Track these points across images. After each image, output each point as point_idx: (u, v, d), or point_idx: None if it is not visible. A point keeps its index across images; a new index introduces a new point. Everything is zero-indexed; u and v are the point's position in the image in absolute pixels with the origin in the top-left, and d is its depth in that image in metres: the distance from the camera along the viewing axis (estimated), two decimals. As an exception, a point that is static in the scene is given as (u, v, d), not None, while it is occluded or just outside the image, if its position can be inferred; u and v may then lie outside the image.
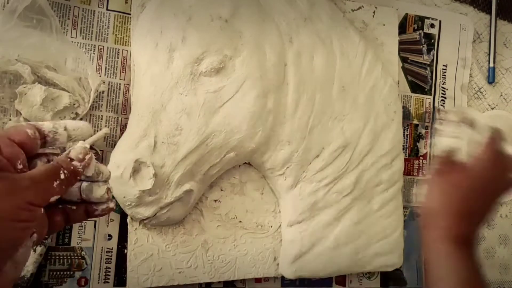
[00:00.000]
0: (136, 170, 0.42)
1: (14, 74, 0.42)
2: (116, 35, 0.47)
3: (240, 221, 0.48)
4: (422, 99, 0.58)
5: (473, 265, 0.40)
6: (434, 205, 0.42)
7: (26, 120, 0.42)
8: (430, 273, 0.40)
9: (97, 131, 0.45)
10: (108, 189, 0.30)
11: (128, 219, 0.44)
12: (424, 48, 0.58)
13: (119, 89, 0.47)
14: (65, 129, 0.30)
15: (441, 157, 0.43)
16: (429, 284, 0.40)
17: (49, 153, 0.31)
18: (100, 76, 0.46)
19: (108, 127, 0.46)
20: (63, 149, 0.43)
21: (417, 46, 0.58)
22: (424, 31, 0.58)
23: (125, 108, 0.47)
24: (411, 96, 0.57)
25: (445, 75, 0.59)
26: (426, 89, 0.58)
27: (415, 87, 0.58)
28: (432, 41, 0.59)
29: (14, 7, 0.40)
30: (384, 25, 0.55)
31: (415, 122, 0.57)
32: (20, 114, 0.42)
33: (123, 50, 0.47)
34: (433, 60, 0.59)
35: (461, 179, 0.41)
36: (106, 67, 0.46)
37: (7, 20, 0.40)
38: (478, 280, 0.40)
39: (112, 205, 0.31)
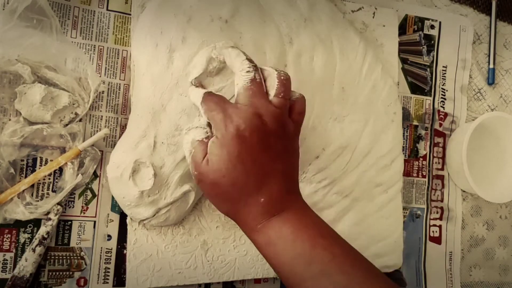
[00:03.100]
0: (135, 170, 0.42)
1: (14, 74, 0.42)
2: (116, 35, 0.47)
3: (240, 222, 0.48)
4: (422, 100, 0.58)
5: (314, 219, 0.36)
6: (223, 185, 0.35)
7: (26, 120, 0.42)
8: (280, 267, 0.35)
9: (97, 131, 0.45)
10: None
11: (128, 220, 0.44)
12: (424, 49, 0.58)
13: (119, 89, 0.47)
14: None
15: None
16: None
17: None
18: (100, 76, 0.46)
19: (107, 128, 0.46)
20: (63, 149, 0.43)
21: (417, 47, 0.58)
22: (424, 32, 0.58)
23: (125, 108, 0.47)
24: (411, 97, 0.57)
25: (445, 76, 0.59)
26: (426, 90, 0.58)
27: (415, 88, 0.58)
28: (432, 42, 0.59)
29: (14, 7, 0.40)
30: (384, 26, 0.55)
31: (415, 123, 0.57)
32: (20, 113, 0.42)
33: (123, 50, 0.47)
34: (433, 61, 0.59)
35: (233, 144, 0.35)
36: (106, 67, 0.46)
37: (7, 20, 0.40)
38: (331, 231, 0.36)
39: None
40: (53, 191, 0.44)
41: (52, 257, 0.43)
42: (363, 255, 0.36)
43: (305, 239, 0.34)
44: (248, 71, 0.37)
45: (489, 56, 0.61)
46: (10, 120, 0.42)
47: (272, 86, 0.37)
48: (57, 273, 0.43)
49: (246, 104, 0.36)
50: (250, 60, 0.38)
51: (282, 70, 0.38)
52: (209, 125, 0.38)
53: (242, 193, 0.36)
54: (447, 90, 0.59)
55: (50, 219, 0.42)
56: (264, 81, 0.38)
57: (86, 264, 0.44)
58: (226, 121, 0.35)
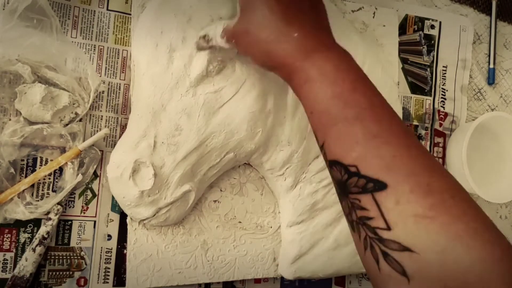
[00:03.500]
0: (135, 170, 0.42)
1: (14, 74, 0.42)
2: (116, 35, 0.47)
3: (240, 222, 0.48)
4: (422, 100, 0.58)
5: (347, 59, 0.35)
6: (256, 23, 0.35)
7: (26, 120, 0.42)
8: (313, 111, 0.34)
9: (97, 131, 0.45)
10: None
11: (128, 220, 0.44)
12: (424, 49, 0.58)
13: (119, 89, 0.47)
14: None
15: None
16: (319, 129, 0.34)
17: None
18: (100, 76, 0.46)
19: (108, 127, 0.46)
20: (63, 149, 0.43)
21: (417, 47, 0.58)
22: (424, 32, 0.58)
23: (125, 108, 0.47)
24: (411, 97, 0.57)
25: (445, 76, 0.59)
26: (426, 90, 0.58)
27: (415, 88, 0.58)
28: (432, 42, 0.59)
29: (14, 7, 0.40)
30: (384, 26, 0.55)
31: (415, 123, 0.57)
32: (20, 113, 0.42)
33: (123, 50, 0.47)
34: (433, 61, 0.59)
35: None
36: (106, 67, 0.46)
37: (8, 20, 0.40)
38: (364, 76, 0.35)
39: None
40: (53, 191, 0.44)
41: (52, 257, 0.43)
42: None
43: (346, 80, 0.33)
44: None
45: (489, 56, 0.61)
46: (10, 120, 0.42)
47: None
48: (57, 273, 0.43)
49: None
50: None
51: None
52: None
53: (272, 31, 0.35)
54: (447, 90, 0.59)
55: (50, 219, 0.42)
56: None
57: (86, 264, 0.44)
58: None
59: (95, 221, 0.45)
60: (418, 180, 0.29)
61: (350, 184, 0.31)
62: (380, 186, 0.29)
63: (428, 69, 0.58)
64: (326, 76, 0.33)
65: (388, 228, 0.28)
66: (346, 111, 0.32)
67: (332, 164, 0.33)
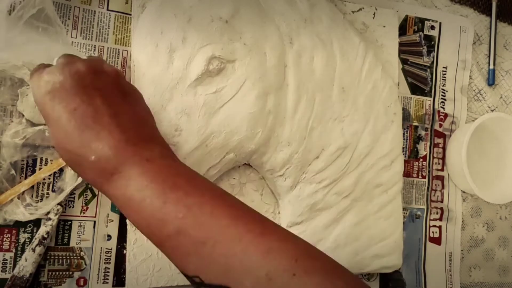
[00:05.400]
0: (135, 170, 0.42)
1: (18, 78, 0.42)
2: (116, 35, 0.47)
3: (240, 222, 0.48)
4: (422, 101, 0.58)
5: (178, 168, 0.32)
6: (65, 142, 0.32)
7: (28, 121, 0.42)
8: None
9: (97, 131, 0.45)
10: None
11: (127, 220, 0.44)
12: (424, 50, 0.58)
13: (119, 90, 0.47)
14: None
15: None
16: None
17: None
18: (100, 77, 0.46)
19: (108, 128, 0.46)
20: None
21: (417, 48, 0.58)
22: (424, 33, 0.58)
23: (125, 108, 0.47)
24: (411, 97, 0.57)
25: (445, 77, 0.59)
26: (426, 91, 0.58)
27: (415, 89, 0.58)
28: (432, 43, 0.59)
29: (19, 14, 0.40)
30: (384, 26, 0.55)
31: (415, 123, 0.57)
32: (22, 115, 0.42)
33: (123, 50, 0.47)
34: (433, 62, 0.59)
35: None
36: (106, 68, 0.46)
37: (13, 27, 0.40)
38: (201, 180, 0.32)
39: None
40: (53, 191, 0.44)
41: (52, 257, 0.43)
42: (239, 200, 0.32)
43: (154, 196, 0.30)
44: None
45: (489, 57, 0.61)
46: (12, 121, 0.42)
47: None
48: (57, 273, 0.43)
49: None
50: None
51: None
52: None
53: (73, 153, 0.32)
54: (447, 91, 0.59)
55: (50, 219, 0.42)
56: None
57: (86, 264, 0.44)
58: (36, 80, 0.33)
59: (94, 221, 0.45)
60: (257, 275, 0.28)
61: None
62: None
63: (428, 70, 0.58)
64: (133, 200, 0.31)
65: None
66: (167, 229, 0.30)
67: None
